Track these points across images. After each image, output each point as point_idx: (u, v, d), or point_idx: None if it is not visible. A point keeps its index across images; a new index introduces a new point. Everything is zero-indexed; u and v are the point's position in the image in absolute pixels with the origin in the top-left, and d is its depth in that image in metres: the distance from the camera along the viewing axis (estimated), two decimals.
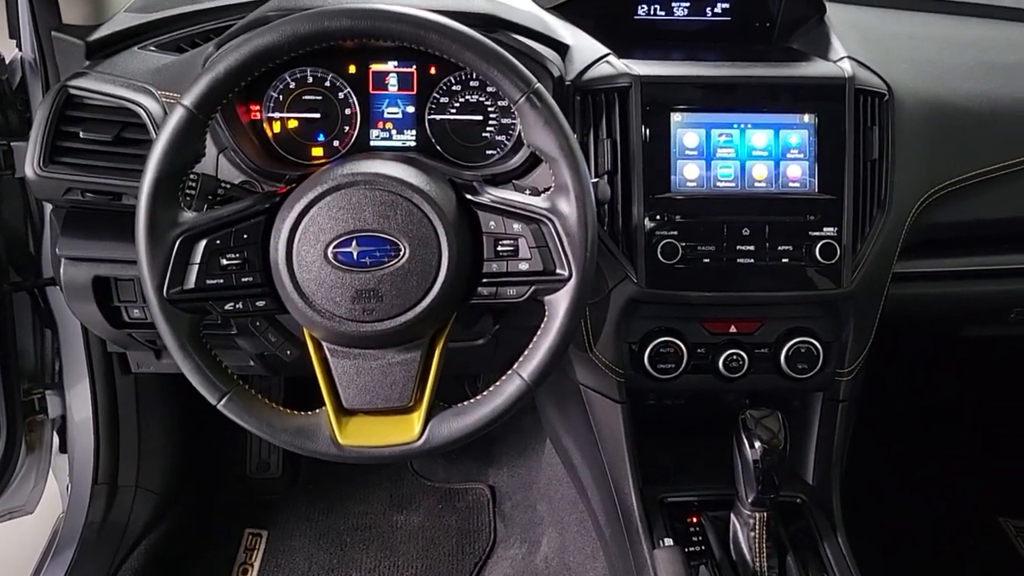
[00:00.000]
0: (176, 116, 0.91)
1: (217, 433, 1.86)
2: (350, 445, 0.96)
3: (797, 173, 1.18)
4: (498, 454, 1.95)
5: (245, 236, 0.95)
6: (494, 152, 1.24)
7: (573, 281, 0.95)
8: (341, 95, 1.24)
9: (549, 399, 1.51)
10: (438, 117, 1.24)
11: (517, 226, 0.96)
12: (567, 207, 0.95)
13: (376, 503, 1.89)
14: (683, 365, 1.21)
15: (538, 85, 0.93)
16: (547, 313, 0.96)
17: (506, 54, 0.94)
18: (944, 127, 1.27)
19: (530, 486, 1.80)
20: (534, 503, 1.76)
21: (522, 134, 0.98)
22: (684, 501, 1.24)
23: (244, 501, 1.88)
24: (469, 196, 0.98)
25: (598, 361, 1.23)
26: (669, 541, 1.19)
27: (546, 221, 0.95)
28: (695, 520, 1.22)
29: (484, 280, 0.97)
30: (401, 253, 0.92)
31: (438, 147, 1.24)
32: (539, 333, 0.96)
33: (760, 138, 1.18)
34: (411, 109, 1.24)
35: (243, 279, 0.95)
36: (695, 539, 1.19)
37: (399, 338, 0.95)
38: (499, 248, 0.97)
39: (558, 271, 0.95)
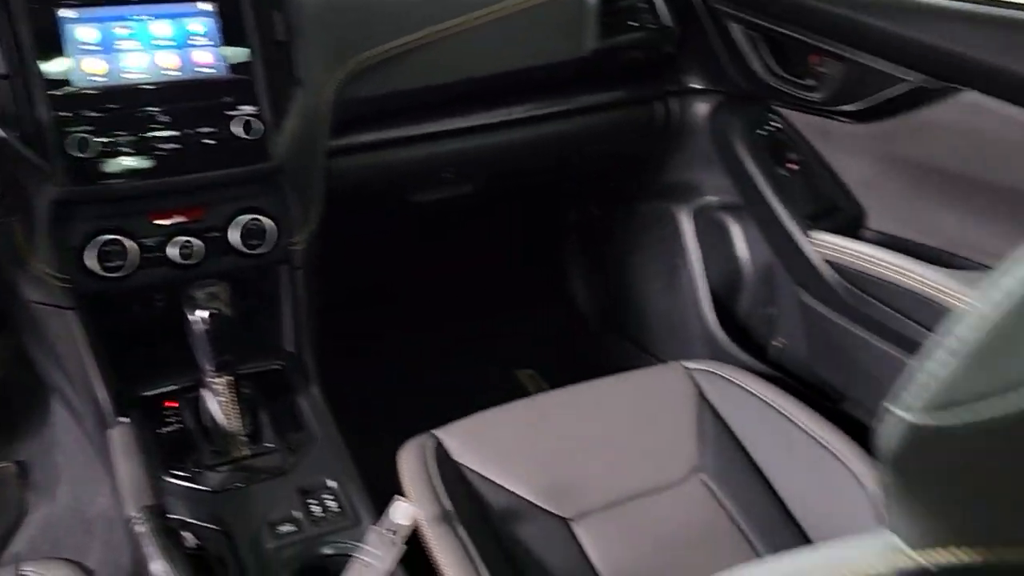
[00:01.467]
0: None
1: None
2: None
3: (208, 59, 1.23)
4: (23, 426, 1.80)
5: None
6: None
7: None
8: None
9: (28, 336, 1.43)
10: None
11: None
12: None
13: None
14: (134, 261, 1.21)
15: None
16: None
17: None
18: (349, 12, 1.40)
19: (53, 443, 1.69)
20: (54, 458, 1.66)
21: None
22: (161, 393, 1.26)
23: None
24: None
25: (40, 273, 1.19)
26: (123, 419, 1.20)
27: None
28: (173, 405, 1.24)
29: None
30: None
31: None
32: None
33: (164, 28, 1.21)
34: None
35: None
36: (171, 420, 1.22)
37: None
38: None
39: None
